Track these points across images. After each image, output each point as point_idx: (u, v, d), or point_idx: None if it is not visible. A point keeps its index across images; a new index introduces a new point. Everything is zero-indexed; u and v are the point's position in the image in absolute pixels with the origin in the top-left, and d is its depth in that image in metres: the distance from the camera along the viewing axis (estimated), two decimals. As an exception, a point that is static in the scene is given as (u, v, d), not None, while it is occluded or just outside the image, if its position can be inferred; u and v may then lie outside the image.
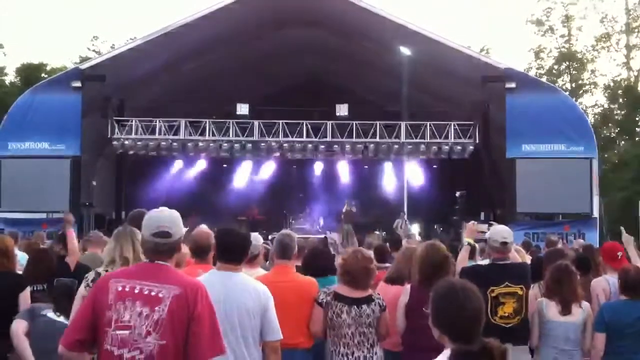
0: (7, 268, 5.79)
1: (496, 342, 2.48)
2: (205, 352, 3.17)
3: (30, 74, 35.97)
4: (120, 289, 3.18)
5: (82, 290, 4.56)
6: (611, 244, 7.17)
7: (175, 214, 3.41)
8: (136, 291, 3.17)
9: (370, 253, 5.80)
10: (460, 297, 2.58)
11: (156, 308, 3.13)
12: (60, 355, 3.25)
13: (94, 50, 40.71)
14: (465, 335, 2.52)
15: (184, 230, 3.43)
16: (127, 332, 3.11)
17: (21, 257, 7.85)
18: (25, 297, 5.69)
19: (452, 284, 2.71)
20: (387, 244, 10.97)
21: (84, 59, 32.76)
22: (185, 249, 5.17)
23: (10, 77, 38.76)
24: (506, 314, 5.32)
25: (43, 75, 34.11)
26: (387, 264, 7.42)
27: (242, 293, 3.99)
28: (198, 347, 3.15)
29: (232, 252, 4.08)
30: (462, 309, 2.56)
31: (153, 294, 3.16)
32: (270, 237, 11.41)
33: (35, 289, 6.10)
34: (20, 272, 6.67)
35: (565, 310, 5.46)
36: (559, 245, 10.76)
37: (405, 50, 20.24)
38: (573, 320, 5.47)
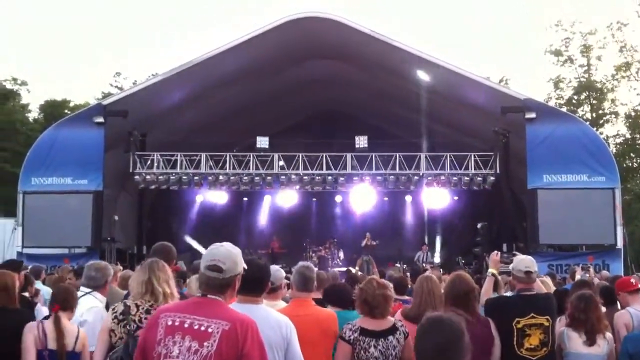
0: (7, 304, 5.50)
1: None
2: None
3: (53, 110, 36.55)
4: (170, 323, 3.17)
5: (108, 323, 4.51)
6: (623, 278, 7.26)
7: (233, 249, 3.38)
8: (186, 325, 3.14)
9: (386, 282, 5.74)
10: (425, 328, 2.73)
11: (205, 343, 3.08)
12: None
13: (116, 86, 41.33)
14: None
15: (241, 267, 3.39)
16: None
17: (45, 292, 7.89)
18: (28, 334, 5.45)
19: (428, 317, 2.83)
20: (408, 275, 10.87)
21: (106, 95, 33.23)
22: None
23: (34, 114, 39.38)
24: (532, 346, 5.21)
25: (66, 111, 34.63)
26: (406, 297, 7.35)
27: (265, 326, 3.86)
28: None
29: (251, 283, 3.99)
30: (422, 339, 2.71)
31: (202, 328, 3.12)
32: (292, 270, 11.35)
33: None
34: (39, 308, 6.66)
35: (590, 341, 5.35)
36: (578, 276, 10.66)
37: (424, 81, 20.32)
38: (597, 352, 5.35)
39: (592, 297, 5.56)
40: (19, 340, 5.42)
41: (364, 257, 22.30)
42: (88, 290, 5.12)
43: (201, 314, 3.18)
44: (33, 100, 39.95)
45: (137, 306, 4.35)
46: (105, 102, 20.66)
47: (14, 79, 38.46)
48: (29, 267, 9.58)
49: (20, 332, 5.42)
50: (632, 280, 6.66)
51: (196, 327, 3.13)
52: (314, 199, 26.19)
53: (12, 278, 5.71)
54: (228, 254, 3.34)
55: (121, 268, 8.66)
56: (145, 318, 4.23)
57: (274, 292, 5.20)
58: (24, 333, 5.05)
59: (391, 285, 5.43)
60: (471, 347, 2.64)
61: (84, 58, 75.98)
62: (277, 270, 5.24)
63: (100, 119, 19.21)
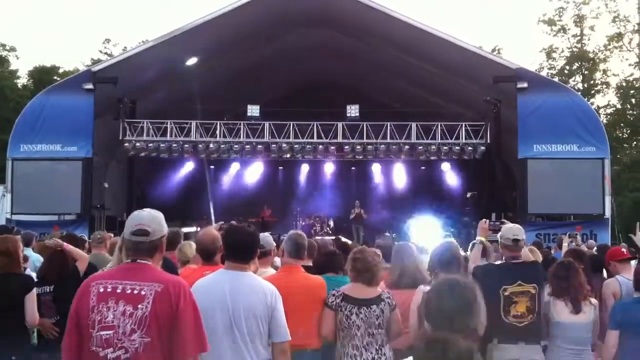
0: (10, 269, 5.44)
1: (451, 335, 2.44)
2: (189, 349, 3.17)
3: (42, 76, 36.24)
4: (102, 290, 3.19)
5: None
6: (613, 247, 7.29)
7: (156, 213, 3.40)
8: (118, 291, 3.17)
9: (376, 251, 5.79)
10: (442, 290, 2.71)
11: (139, 306, 3.13)
12: None
13: (105, 53, 41.01)
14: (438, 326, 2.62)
15: (166, 229, 3.40)
16: (110, 332, 3.11)
17: (35, 259, 7.86)
18: (31, 299, 5.41)
19: (444, 280, 2.81)
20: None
21: (96, 62, 32.94)
22: (193, 251, 5.16)
23: (22, 80, 39.03)
24: (519, 313, 5.26)
25: (55, 78, 34.33)
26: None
27: (250, 294, 3.92)
28: (182, 344, 3.15)
29: (239, 250, 4.03)
30: (438, 300, 2.68)
31: (135, 292, 3.16)
32: (281, 238, 11.37)
33: (42, 291, 5.83)
34: (29, 273, 6.61)
35: (576, 309, 5.38)
36: (565, 245, 10.73)
37: (415, 50, 20.20)
38: (584, 320, 5.38)
39: (572, 264, 5.58)
40: (20, 306, 5.34)
41: (354, 227, 22.42)
42: None
43: (133, 279, 3.21)
44: (22, 67, 39.74)
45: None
46: (95, 68, 20.46)
47: (3, 45, 38.11)
48: (21, 233, 9.53)
49: (22, 298, 5.35)
50: (623, 249, 6.71)
51: (129, 291, 3.17)
52: (305, 168, 26.16)
53: (14, 242, 5.58)
54: (152, 217, 3.35)
55: (112, 235, 8.63)
56: None
57: (263, 257, 5.22)
58: None
59: (380, 252, 5.47)
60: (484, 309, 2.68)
61: (73, 24, 75.16)
62: (266, 236, 5.27)
63: (90, 86, 19.05)
